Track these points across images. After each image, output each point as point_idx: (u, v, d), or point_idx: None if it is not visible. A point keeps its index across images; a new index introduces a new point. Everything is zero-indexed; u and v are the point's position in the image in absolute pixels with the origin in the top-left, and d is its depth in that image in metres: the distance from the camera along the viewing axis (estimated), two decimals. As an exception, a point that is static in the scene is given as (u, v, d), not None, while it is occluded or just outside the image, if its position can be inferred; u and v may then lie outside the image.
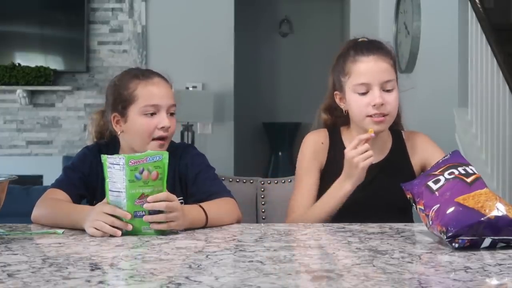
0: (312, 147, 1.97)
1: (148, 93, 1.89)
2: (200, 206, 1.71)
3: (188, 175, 1.92)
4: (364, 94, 1.87)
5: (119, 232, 1.57)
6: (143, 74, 1.94)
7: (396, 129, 2.02)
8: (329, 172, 1.95)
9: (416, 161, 1.97)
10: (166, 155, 1.65)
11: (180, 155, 1.95)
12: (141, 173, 1.59)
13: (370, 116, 1.87)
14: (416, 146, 1.99)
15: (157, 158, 1.62)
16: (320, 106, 2.06)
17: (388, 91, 1.87)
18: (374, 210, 1.84)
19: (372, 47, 1.91)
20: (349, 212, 1.84)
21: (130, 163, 1.58)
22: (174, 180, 1.91)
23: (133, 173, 1.58)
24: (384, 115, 1.87)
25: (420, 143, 1.99)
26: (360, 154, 1.77)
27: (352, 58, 1.89)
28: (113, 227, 1.57)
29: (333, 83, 1.97)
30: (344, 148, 1.89)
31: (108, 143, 1.99)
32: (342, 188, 1.83)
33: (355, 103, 1.88)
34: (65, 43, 5.98)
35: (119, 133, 1.94)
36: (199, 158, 1.96)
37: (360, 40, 1.96)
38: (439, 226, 1.43)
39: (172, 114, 1.92)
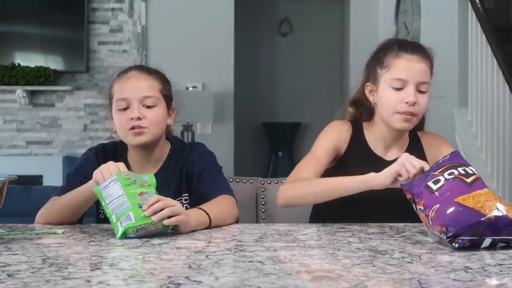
0: (336, 130, 2.00)
1: (119, 88, 1.90)
2: (202, 209, 1.71)
3: (193, 172, 1.92)
4: (398, 89, 1.89)
5: (122, 166, 1.68)
6: (124, 70, 1.96)
7: (412, 130, 2.03)
8: (347, 162, 1.96)
9: (431, 159, 1.95)
10: (152, 177, 1.68)
11: (188, 154, 1.95)
12: (134, 182, 1.63)
13: (399, 112, 1.89)
14: (431, 146, 2.02)
15: (145, 178, 1.68)
16: (347, 99, 2.09)
17: (421, 92, 1.90)
18: (388, 207, 1.84)
19: (416, 47, 1.95)
20: (364, 208, 1.84)
21: (123, 175, 1.64)
22: (181, 178, 1.92)
23: (127, 180, 1.63)
24: (413, 115, 1.89)
25: (436, 143, 2.03)
26: (414, 167, 1.66)
27: (395, 53, 1.92)
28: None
29: (367, 76, 2.00)
30: (365, 142, 1.96)
31: (116, 144, 1.99)
32: (370, 179, 1.74)
33: (388, 97, 1.91)
34: (65, 43, 5.97)
35: (114, 131, 1.95)
36: (206, 155, 1.96)
37: (403, 38, 2.01)
38: (439, 226, 1.43)
39: (150, 106, 1.88)
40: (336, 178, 1.84)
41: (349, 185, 1.79)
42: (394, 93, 1.90)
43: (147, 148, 1.91)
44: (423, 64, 1.91)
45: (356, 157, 1.96)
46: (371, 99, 1.97)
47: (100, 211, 1.93)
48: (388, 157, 1.99)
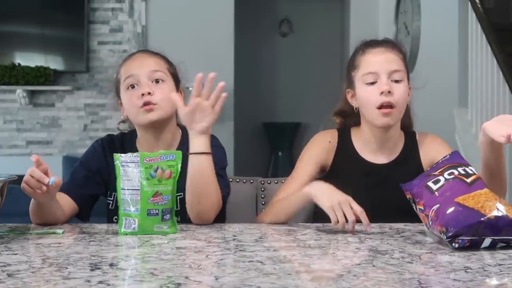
0: (318, 144, 1.99)
1: (127, 68, 1.92)
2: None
3: None
4: (372, 84, 1.88)
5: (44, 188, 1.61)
6: (129, 54, 1.98)
7: (410, 131, 2.01)
8: (337, 171, 1.95)
9: (428, 163, 1.93)
10: (179, 154, 1.65)
11: None
12: (155, 171, 1.60)
13: (379, 108, 1.86)
14: (429, 148, 1.97)
15: (171, 157, 1.64)
16: (334, 110, 2.07)
17: (396, 81, 1.88)
18: (382, 212, 1.81)
19: (381, 41, 1.96)
20: (364, 208, 1.82)
21: (145, 161, 1.60)
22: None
23: (148, 171, 1.60)
24: (391, 107, 1.86)
25: (433, 145, 1.97)
26: (342, 210, 1.65)
27: (362, 51, 1.94)
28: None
29: (346, 84, 1.99)
30: (353, 148, 1.94)
31: (124, 134, 1.98)
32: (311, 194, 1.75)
33: (364, 94, 1.89)
34: (65, 43, 5.97)
35: (123, 118, 1.95)
36: (214, 150, 1.90)
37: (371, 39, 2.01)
38: (439, 226, 1.43)
39: (158, 81, 1.89)
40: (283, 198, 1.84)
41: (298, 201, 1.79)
42: (368, 88, 1.88)
43: (158, 128, 1.88)
44: (390, 54, 1.90)
45: (344, 165, 1.94)
46: (353, 104, 1.96)
47: (109, 201, 1.91)
48: (379, 160, 1.96)
